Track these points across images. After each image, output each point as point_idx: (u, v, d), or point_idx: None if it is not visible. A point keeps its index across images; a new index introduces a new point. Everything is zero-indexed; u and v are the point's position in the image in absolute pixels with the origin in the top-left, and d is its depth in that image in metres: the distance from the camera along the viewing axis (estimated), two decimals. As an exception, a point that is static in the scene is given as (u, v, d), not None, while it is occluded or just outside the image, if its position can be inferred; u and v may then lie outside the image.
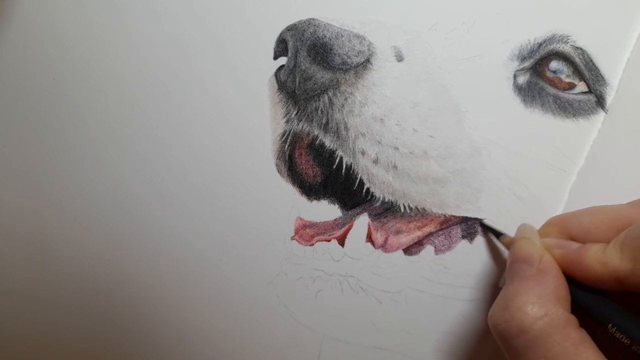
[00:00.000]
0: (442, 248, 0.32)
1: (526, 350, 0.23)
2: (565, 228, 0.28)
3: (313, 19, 0.32)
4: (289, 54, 0.32)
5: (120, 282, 0.36)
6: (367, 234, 0.32)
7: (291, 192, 0.33)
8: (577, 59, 0.30)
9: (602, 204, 0.27)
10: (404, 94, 0.31)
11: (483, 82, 0.31)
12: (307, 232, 0.33)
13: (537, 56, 0.30)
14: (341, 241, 0.32)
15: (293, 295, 0.34)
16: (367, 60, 0.31)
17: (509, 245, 0.28)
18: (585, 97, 0.30)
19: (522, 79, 0.31)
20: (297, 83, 0.32)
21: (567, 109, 0.30)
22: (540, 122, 0.30)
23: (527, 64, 0.31)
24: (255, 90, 0.33)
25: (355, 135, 0.31)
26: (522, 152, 0.30)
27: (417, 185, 0.31)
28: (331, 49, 0.31)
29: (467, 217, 0.31)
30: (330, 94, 0.31)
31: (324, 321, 0.33)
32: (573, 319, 0.24)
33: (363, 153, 0.31)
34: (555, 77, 0.30)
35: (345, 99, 0.31)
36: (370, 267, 0.32)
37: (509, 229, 0.30)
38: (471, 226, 0.31)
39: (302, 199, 0.33)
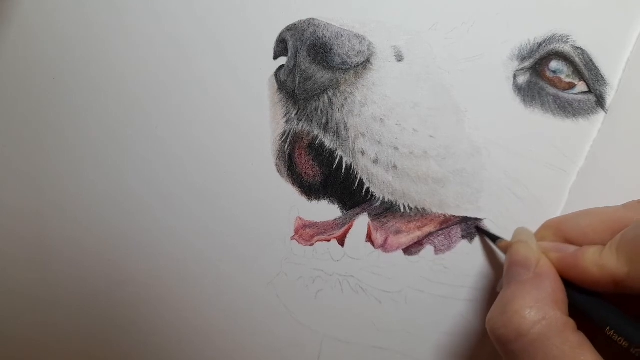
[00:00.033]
0: (442, 248, 0.32)
1: (524, 354, 0.23)
2: (561, 231, 0.28)
3: (313, 19, 0.32)
4: (289, 54, 0.32)
5: (120, 282, 0.36)
6: (367, 234, 0.32)
7: (291, 192, 0.33)
8: (577, 59, 0.30)
9: (602, 204, 0.27)
10: (404, 94, 0.31)
11: (483, 82, 0.31)
12: (307, 232, 0.33)
13: (537, 56, 0.30)
14: (341, 241, 0.32)
15: (293, 295, 0.34)
16: (367, 60, 0.31)
17: (505, 249, 0.28)
18: (585, 97, 0.30)
19: (522, 79, 0.31)
20: (297, 83, 0.32)
21: (567, 109, 0.30)
22: (540, 122, 0.30)
23: (527, 64, 0.31)
24: (255, 90, 0.33)
25: (355, 135, 0.31)
26: (522, 152, 0.30)
27: (417, 185, 0.31)
28: (331, 49, 0.31)
29: (467, 217, 0.31)
30: (330, 94, 0.31)
31: (324, 321, 0.33)
32: (571, 322, 0.24)
33: (363, 153, 0.31)
34: (555, 77, 0.30)
35: (345, 99, 0.31)
36: (370, 267, 0.32)
37: (509, 229, 0.30)
38: (471, 226, 0.31)
39: (302, 199, 0.33)
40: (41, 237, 0.37)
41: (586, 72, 0.30)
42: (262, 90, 0.33)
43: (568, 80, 0.30)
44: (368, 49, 0.31)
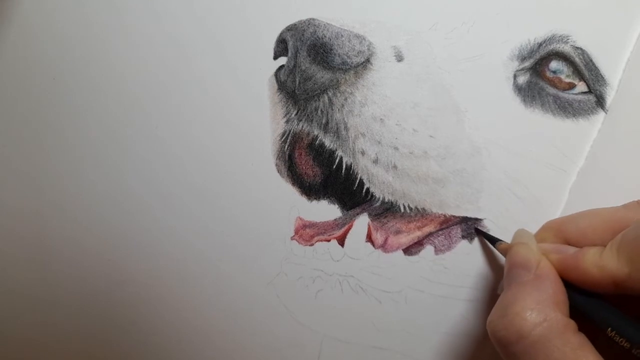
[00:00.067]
0: (442, 248, 0.32)
1: (526, 356, 0.23)
2: (561, 232, 0.28)
3: (313, 19, 0.32)
4: (289, 54, 0.32)
5: (120, 282, 0.36)
6: (367, 234, 0.32)
7: (291, 192, 0.33)
8: (577, 59, 0.30)
9: (602, 204, 0.27)
10: (404, 94, 0.31)
11: (483, 82, 0.31)
12: (307, 232, 0.33)
13: (537, 56, 0.30)
14: (341, 241, 0.32)
15: (293, 295, 0.34)
16: (367, 60, 0.31)
17: (504, 251, 0.28)
18: (585, 97, 0.30)
19: (522, 79, 0.31)
20: (297, 83, 0.32)
21: (567, 109, 0.30)
22: (540, 122, 0.30)
23: (527, 64, 0.31)
24: (255, 90, 0.33)
25: (355, 135, 0.31)
26: (522, 152, 0.30)
27: (417, 185, 0.31)
28: (331, 49, 0.31)
29: (467, 217, 0.31)
30: (330, 94, 0.31)
31: (324, 321, 0.33)
32: (572, 324, 0.24)
33: (363, 153, 0.31)
34: (555, 77, 0.30)
35: (345, 99, 0.31)
36: (370, 267, 0.32)
37: (509, 229, 0.30)
38: (471, 226, 0.31)
39: (302, 199, 0.33)
40: (41, 237, 0.37)
41: (586, 72, 0.30)
42: (262, 90, 0.33)
43: (568, 80, 0.30)
44: (368, 49, 0.31)
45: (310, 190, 0.33)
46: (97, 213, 0.36)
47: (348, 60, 0.31)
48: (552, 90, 0.30)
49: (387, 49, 0.31)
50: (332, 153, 0.32)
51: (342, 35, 0.31)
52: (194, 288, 0.35)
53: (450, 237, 0.31)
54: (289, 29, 0.32)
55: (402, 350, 0.33)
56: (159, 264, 0.36)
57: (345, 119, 0.31)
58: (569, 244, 0.27)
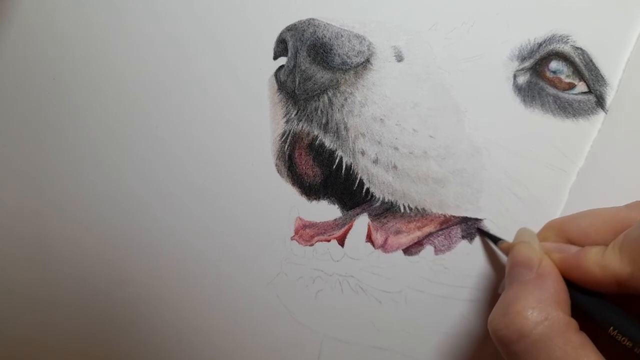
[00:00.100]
0: (442, 248, 0.32)
1: (527, 355, 0.23)
2: (563, 231, 0.28)
3: (313, 19, 0.32)
4: (289, 54, 0.32)
5: (120, 282, 0.36)
6: (367, 234, 0.32)
7: (291, 192, 0.33)
8: (577, 59, 0.30)
9: (602, 204, 0.27)
10: (404, 94, 0.31)
11: (483, 82, 0.31)
12: (307, 232, 0.33)
13: (537, 56, 0.30)
14: (341, 241, 0.32)
15: (293, 295, 0.34)
16: (367, 61, 0.31)
17: (506, 251, 0.28)
18: (585, 97, 0.30)
19: (522, 79, 0.31)
20: (297, 83, 0.32)
21: (567, 109, 0.30)
22: (540, 122, 0.30)
23: (527, 64, 0.31)
24: (255, 90, 0.33)
25: (355, 136, 0.31)
26: (522, 152, 0.30)
27: (417, 186, 0.31)
28: (331, 49, 0.31)
29: (467, 217, 0.31)
30: (330, 94, 0.31)
31: (324, 321, 0.33)
32: (573, 323, 0.24)
33: (363, 153, 0.31)
34: (555, 77, 0.30)
35: (345, 99, 0.31)
36: (370, 267, 0.32)
37: (509, 229, 0.30)
38: (471, 226, 0.31)
39: (302, 199, 0.33)
40: (41, 237, 0.37)
41: (586, 72, 0.30)
42: (262, 90, 0.33)
43: (568, 80, 0.30)
44: (368, 49, 0.31)
45: (310, 191, 0.33)
46: (97, 213, 0.36)
47: (348, 61, 0.31)
48: (552, 90, 0.30)
49: (387, 49, 0.31)
50: (332, 153, 0.32)
51: (342, 35, 0.31)
52: (194, 288, 0.35)
53: (450, 237, 0.31)
54: (289, 29, 0.32)
55: (402, 350, 0.33)
56: (159, 264, 0.36)
57: (345, 119, 0.31)
58: (571, 244, 0.27)
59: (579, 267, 0.25)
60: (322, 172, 0.33)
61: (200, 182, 0.35)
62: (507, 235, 0.30)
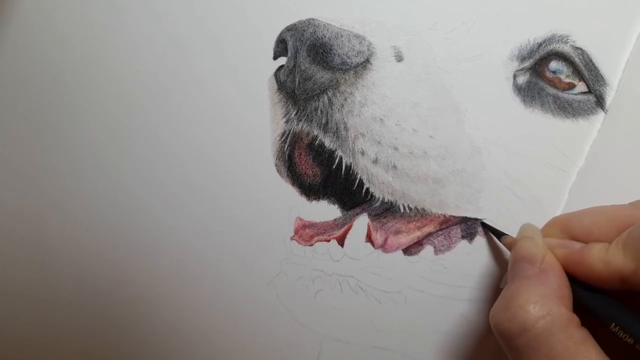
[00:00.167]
0: (442, 248, 0.32)
1: (528, 350, 0.23)
2: (567, 228, 0.28)
3: (313, 19, 0.32)
4: (289, 54, 0.32)
5: (120, 282, 0.36)
6: (367, 234, 0.32)
7: (291, 192, 0.33)
8: (576, 59, 0.30)
9: (602, 204, 0.27)
10: (403, 94, 0.31)
11: (483, 82, 0.31)
12: (307, 232, 0.33)
13: (537, 56, 0.30)
14: (341, 241, 0.32)
15: (293, 295, 0.34)
16: (367, 60, 0.31)
17: (510, 245, 0.28)
18: (585, 97, 0.30)
19: (522, 79, 0.31)
20: (296, 83, 0.32)
21: (567, 109, 0.30)
22: (540, 122, 0.30)
23: (526, 64, 0.31)
24: (255, 90, 0.33)
25: (355, 136, 0.31)
26: (522, 152, 0.30)
27: (416, 186, 0.31)
28: (331, 49, 0.31)
29: (466, 217, 0.31)
30: (329, 94, 0.31)
31: (323, 321, 0.33)
32: (575, 318, 0.24)
33: (363, 153, 0.31)
34: (555, 77, 0.30)
35: (345, 99, 0.31)
36: (369, 267, 0.32)
37: (509, 229, 0.30)
38: (471, 226, 0.31)
39: (302, 199, 0.33)
40: (41, 237, 0.37)
41: (586, 72, 0.30)
42: (262, 90, 0.33)
43: (568, 80, 0.30)
44: (368, 49, 0.31)
45: (310, 191, 0.33)
46: (97, 213, 0.36)
47: (348, 61, 0.31)
48: (551, 90, 0.30)
49: (387, 49, 0.31)
50: (331, 153, 0.32)
51: (341, 35, 0.31)
52: (194, 288, 0.35)
53: (450, 237, 0.31)
54: (289, 29, 0.32)
55: (402, 350, 0.33)
56: (159, 264, 0.36)
57: (345, 119, 0.31)
58: (575, 240, 0.27)
59: (583, 263, 0.25)
60: (322, 172, 0.33)
61: (200, 182, 0.35)
62: (508, 234, 0.30)
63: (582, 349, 0.22)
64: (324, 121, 0.31)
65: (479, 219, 0.31)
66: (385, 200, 0.31)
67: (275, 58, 0.33)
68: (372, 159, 0.31)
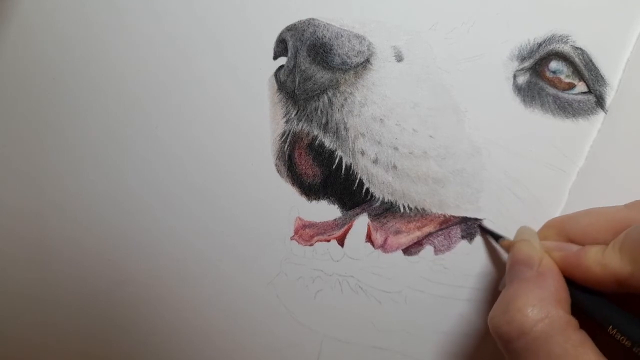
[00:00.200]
0: (442, 248, 0.32)
1: (526, 353, 0.23)
2: (563, 230, 0.28)
3: (313, 19, 0.32)
4: (289, 54, 0.32)
5: (120, 282, 0.36)
6: (367, 234, 0.32)
7: (291, 192, 0.33)
8: (576, 59, 0.30)
9: (602, 204, 0.27)
10: (403, 94, 0.31)
11: (483, 82, 0.31)
12: (307, 232, 0.33)
13: (537, 56, 0.30)
14: (341, 241, 0.32)
15: (293, 295, 0.34)
16: (367, 60, 0.31)
17: (507, 248, 0.28)
18: (585, 97, 0.30)
19: (522, 79, 0.31)
20: (296, 83, 0.32)
21: (567, 109, 0.30)
22: (540, 122, 0.30)
23: (526, 64, 0.31)
24: (255, 90, 0.33)
25: (355, 136, 0.31)
26: (522, 152, 0.30)
27: (416, 186, 0.31)
28: (331, 49, 0.31)
29: (466, 217, 0.31)
30: (329, 94, 0.31)
31: (323, 321, 0.33)
32: (573, 321, 0.24)
33: (363, 153, 0.31)
34: (555, 77, 0.30)
35: (345, 99, 0.31)
36: (369, 267, 0.32)
37: (509, 229, 0.30)
38: (471, 226, 0.31)
39: (302, 199, 0.33)
40: (41, 237, 0.37)
41: (586, 72, 0.30)
42: (262, 90, 0.33)
43: (568, 80, 0.30)
44: (368, 49, 0.31)
45: (310, 190, 0.33)
46: (97, 213, 0.36)
47: (348, 60, 0.31)
48: (551, 90, 0.30)
49: (387, 49, 0.31)
50: (331, 153, 0.32)
51: (342, 35, 0.31)
52: (194, 288, 0.35)
53: (450, 237, 0.31)
54: (289, 29, 0.32)
55: (402, 350, 0.33)
56: (159, 264, 0.36)
57: (345, 119, 0.31)
58: (572, 242, 0.27)
59: (579, 266, 0.25)
60: (322, 172, 0.33)
61: (200, 182, 0.35)
62: (507, 235, 0.30)
63: (580, 352, 0.22)
64: (324, 121, 0.31)
65: (479, 219, 0.31)
66: (385, 200, 0.31)
67: (275, 58, 0.33)
68: (372, 159, 0.31)
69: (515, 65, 0.31)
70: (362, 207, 0.32)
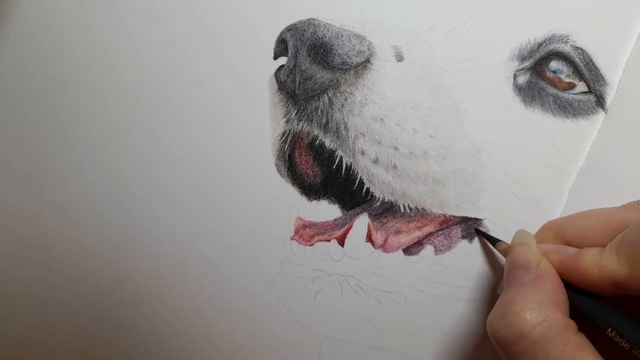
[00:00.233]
0: (442, 248, 0.32)
1: (525, 356, 0.23)
2: (561, 233, 0.28)
3: (313, 19, 0.32)
4: (289, 54, 0.32)
5: (120, 282, 0.36)
6: (367, 234, 0.32)
7: (291, 192, 0.33)
8: (577, 59, 0.30)
9: (602, 204, 0.27)
10: (404, 94, 0.31)
11: (483, 82, 0.31)
12: (307, 232, 0.33)
13: (537, 56, 0.30)
14: (341, 241, 0.32)
15: (293, 295, 0.34)
16: (367, 60, 0.31)
17: (504, 252, 0.28)
18: (585, 97, 0.30)
19: (522, 79, 0.31)
20: (297, 83, 0.32)
21: (567, 109, 0.30)
22: (540, 122, 0.30)
23: (527, 64, 0.31)
24: (255, 90, 0.33)
25: (355, 135, 0.31)
26: (522, 152, 0.30)
27: (416, 185, 0.31)
28: (331, 49, 0.31)
29: (467, 217, 0.31)
30: (330, 94, 0.31)
31: (323, 321, 0.33)
32: (572, 324, 0.24)
33: (363, 153, 0.31)
34: (555, 77, 0.30)
35: (345, 99, 0.31)
36: (370, 267, 0.32)
37: (509, 229, 0.30)
38: (471, 226, 0.31)
39: (302, 199, 0.33)
40: (41, 237, 0.37)
41: (586, 72, 0.30)
42: (262, 90, 0.33)
43: (568, 80, 0.30)
44: (368, 49, 0.31)
45: (310, 190, 0.33)
46: (97, 213, 0.36)
47: (348, 60, 0.31)
48: (552, 90, 0.30)
49: (387, 49, 0.31)
50: (332, 153, 0.32)
51: (342, 35, 0.31)
52: (194, 288, 0.35)
53: (450, 237, 0.31)
54: (289, 29, 0.32)
55: (402, 350, 0.33)
56: (159, 264, 0.36)
57: (345, 118, 0.31)
58: (569, 245, 0.27)
59: (577, 269, 0.25)
60: (322, 172, 0.33)
61: (200, 182, 0.35)
62: (507, 235, 0.30)
63: (579, 354, 0.22)
64: (324, 121, 0.31)
65: (479, 219, 0.31)
66: (386, 200, 0.31)
67: (275, 58, 0.33)
68: (372, 159, 0.31)
69: (515, 65, 0.31)
70: (363, 207, 0.32)
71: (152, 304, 0.36)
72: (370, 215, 0.32)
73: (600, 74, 0.30)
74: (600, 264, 0.24)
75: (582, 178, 0.30)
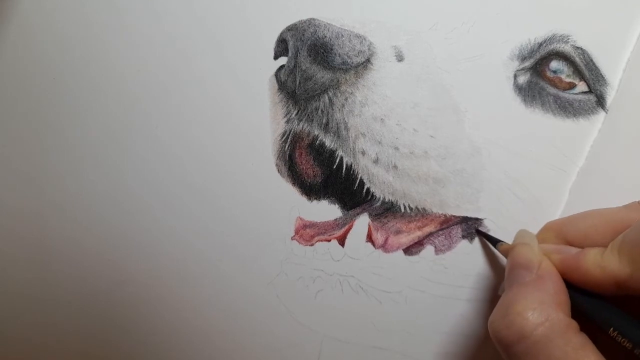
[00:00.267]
0: (442, 248, 0.32)
1: (527, 357, 0.23)
2: (562, 233, 0.28)
3: (313, 19, 0.32)
4: (289, 54, 0.32)
5: (120, 282, 0.36)
6: (367, 234, 0.32)
7: (291, 192, 0.33)
8: (577, 59, 0.30)
9: (603, 204, 0.27)
10: (404, 94, 0.31)
11: (483, 82, 0.31)
12: (307, 232, 0.33)
13: (538, 56, 0.30)
14: (341, 241, 0.32)
15: (293, 295, 0.34)
16: (368, 60, 0.31)
17: (505, 252, 0.28)
18: (586, 97, 0.30)
19: (523, 79, 0.31)
20: (297, 83, 0.32)
21: (568, 109, 0.30)
22: (541, 122, 0.30)
23: (527, 63, 0.31)
24: (255, 90, 0.33)
25: (356, 135, 0.31)
26: (522, 152, 0.30)
27: (417, 185, 0.31)
28: (331, 49, 0.31)
29: (467, 217, 0.31)
30: (330, 94, 0.31)
31: (324, 321, 0.33)
32: (574, 324, 0.24)
33: (363, 153, 0.31)
34: (556, 77, 0.30)
35: (346, 99, 0.31)
36: (370, 267, 0.32)
37: (509, 229, 0.30)
38: (471, 226, 0.31)
39: (302, 199, 0.33)
40: (41, 237, 0.37)
41: (586, 72, 0.30)
42: (262, 90, 0.33)
43: (568, 80, 0.30)
44: (368, 49, 0.31)
45: (311, 190, 0.33)
46: (97, 213, 0.36)
47: (348, 60, 0.31)
48: (552, 90, 0.30)
49: (388, 49, 0.31)
50: (332, 153, 0.32)
51: (342, 35, 0.31)
52: (194, 288, 0.35)
53: (450, 237, 0.31)
54: (289, 29, 0.32)
55: (402, 350, 0.33)
56: (159, 264, 0.36)
57: (346, 118, 0.31)
58: (570, 245, 0.27)
59: (579, 269, 0.25)
60: (323, 172, 0.33)
61: (200, 182, 0.35)
62: (507, 235, 0.30)
63: (581, 354, 0.22)
64: (324, 121, 0.31)
65: (480, 219, 0.31)
66: (386, 200, 0.31)
67: (275, 58, 0.33)
68: (372, 159, 0.31)
69: (515, 65, 0.31)
70: (363, 207, 0.32)
71: (152, 304, 0.36)
72: (370, 215, 0.32)
73: (601, 74, 0.30)
74: (602, 264, 0.24)
75: (583, 178, 0.30)
